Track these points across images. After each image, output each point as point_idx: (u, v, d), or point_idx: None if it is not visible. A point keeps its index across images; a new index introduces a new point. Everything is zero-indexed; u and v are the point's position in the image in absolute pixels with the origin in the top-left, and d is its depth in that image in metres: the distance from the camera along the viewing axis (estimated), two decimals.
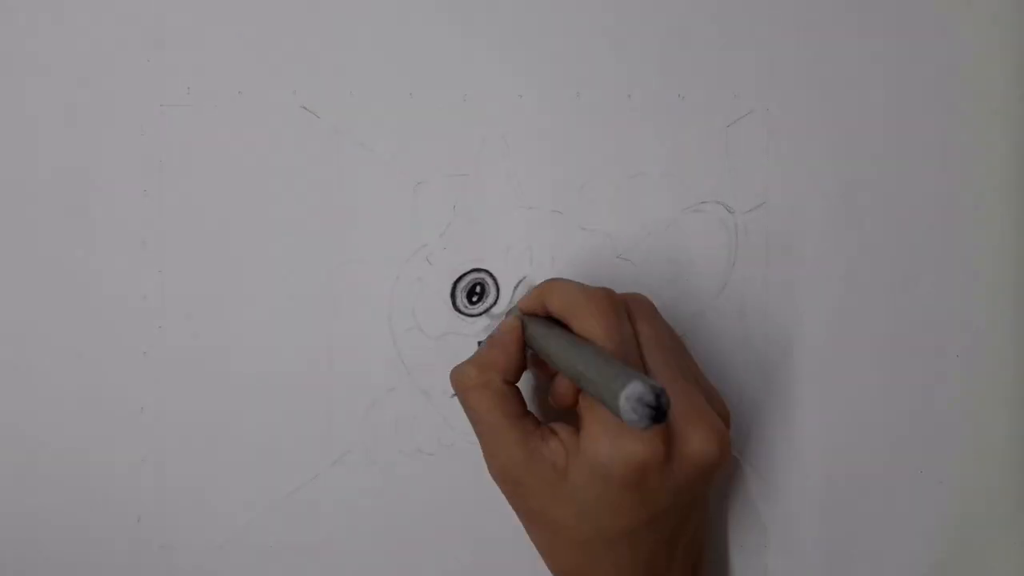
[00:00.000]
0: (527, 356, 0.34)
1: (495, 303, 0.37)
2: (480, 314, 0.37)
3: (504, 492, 0.33)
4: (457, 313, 0.37)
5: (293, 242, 0.37)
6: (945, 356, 0.39)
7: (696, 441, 0.30)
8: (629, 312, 0.33)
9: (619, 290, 0.33)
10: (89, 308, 0.36)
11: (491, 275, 0.37)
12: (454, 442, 0.37)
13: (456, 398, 0.33)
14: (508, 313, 0.37)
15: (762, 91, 0.38)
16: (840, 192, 0.38)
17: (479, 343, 0.37)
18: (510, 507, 0.33)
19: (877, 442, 0.39)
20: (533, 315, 0.34)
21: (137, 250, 0.36)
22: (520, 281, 0.37)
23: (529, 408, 0.33)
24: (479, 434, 0.33)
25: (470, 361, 0.33)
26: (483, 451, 0.33)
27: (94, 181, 0.36)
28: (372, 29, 0.37)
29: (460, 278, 0.37)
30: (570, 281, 0.33)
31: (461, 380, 0.33)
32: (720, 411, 0.33)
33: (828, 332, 0.38)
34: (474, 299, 0.37)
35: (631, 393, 0.25)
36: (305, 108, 0.37)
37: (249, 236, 0.37)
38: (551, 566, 0.33)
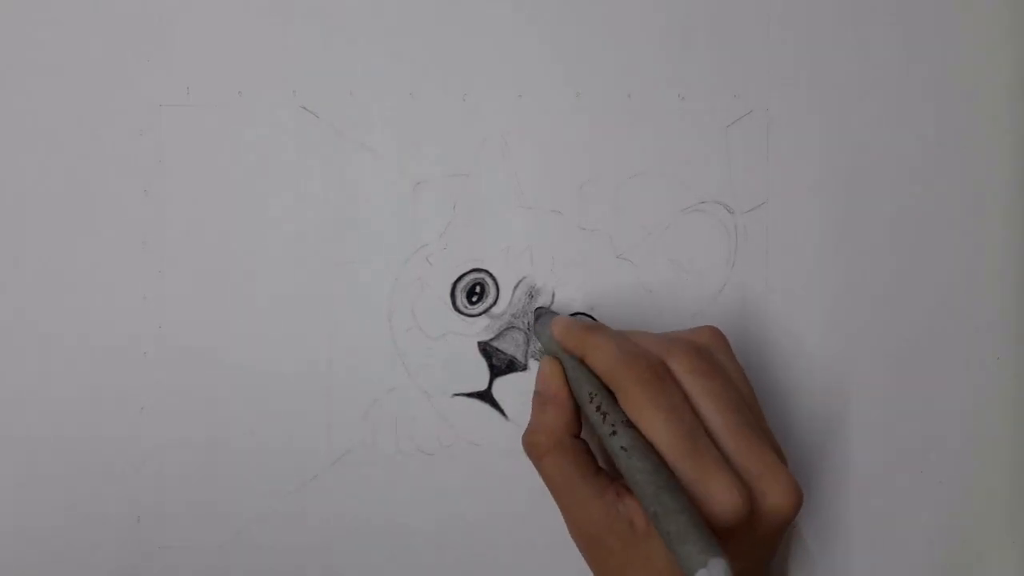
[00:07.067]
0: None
1: (495, 303, 0.37)
2: (480, 314, 0.37)
3: (585, 555, 0.32)
4: (457, 313, 0.37)
5: (293, 242, 0.37)
6: (945, 356, 0.39)
7: (774, 497, 0.29)
8: (686, 368, 0.31)
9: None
10: (89, 308, 0.36)
11: (491, 275, 0.37)
12: (454, 442, 0.37)
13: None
14: (536, 317, 0.35)
15: (762, 91, 0.38)
16: (840, 192, 0.38)
17: (478, 343, 0.37)
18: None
19: (877, 442, 0.39)
20: (569, 355, 0.33)
21: (137, 250, 0.36)
22: (520, 281, 0.37)
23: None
24: (557, 498, 0.32)
25: (534, 429, 0.32)
26: (563, 514, 0.32)
27: (94, 181, 0.36)
28: (372, 29, 0.37)
29: (460, 278, 0.37)
30: (610, 340, 0.31)
31: (535, 450, 0.32)
32: (780, 457, 0.32)
33: (828, 332, 0.38)
34: (474, 299, 0.37)
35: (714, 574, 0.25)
36: (305, 108, 0.37)
37: (249, 236, 0.37)
38: None
